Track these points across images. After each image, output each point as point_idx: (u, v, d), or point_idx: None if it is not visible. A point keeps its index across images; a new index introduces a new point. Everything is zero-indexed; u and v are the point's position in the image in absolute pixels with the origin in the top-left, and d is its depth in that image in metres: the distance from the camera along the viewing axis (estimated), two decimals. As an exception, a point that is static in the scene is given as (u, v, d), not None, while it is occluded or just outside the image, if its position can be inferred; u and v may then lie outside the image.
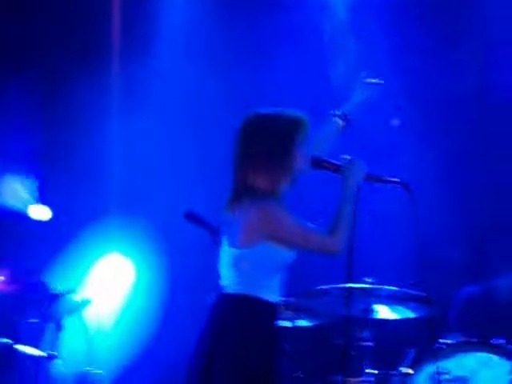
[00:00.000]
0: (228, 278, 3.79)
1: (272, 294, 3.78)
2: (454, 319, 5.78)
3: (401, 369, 5.24)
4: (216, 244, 3.93)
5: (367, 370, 5.18)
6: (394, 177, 3.93)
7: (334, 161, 3.88)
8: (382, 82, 4.17)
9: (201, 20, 7.03)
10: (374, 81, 4.15)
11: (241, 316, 3.71)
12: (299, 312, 5.45)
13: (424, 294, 4.75)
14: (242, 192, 3.80)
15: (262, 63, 6.80)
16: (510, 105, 6.72)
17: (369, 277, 5.17)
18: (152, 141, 6.84)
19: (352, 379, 5.31)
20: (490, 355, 5.17)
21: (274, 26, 6.79)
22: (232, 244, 3.78)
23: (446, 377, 5.16)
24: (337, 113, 4.20)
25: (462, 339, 5.23)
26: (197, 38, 7.03)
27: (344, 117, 4.18)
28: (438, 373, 5.07)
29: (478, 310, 5.89)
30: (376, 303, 5.25)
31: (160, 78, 6.97)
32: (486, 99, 6.80)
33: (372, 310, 5.26)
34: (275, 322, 3.79)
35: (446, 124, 6.81)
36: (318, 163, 3.86)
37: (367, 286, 5.07)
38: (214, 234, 4.07)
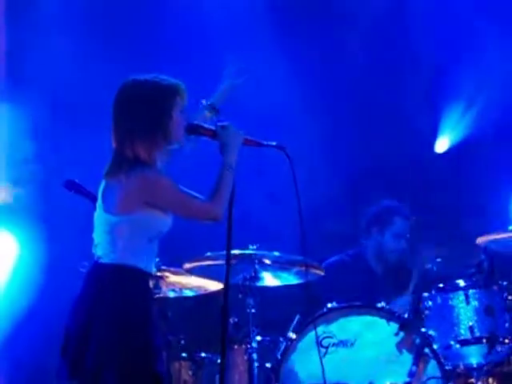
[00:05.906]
0: (103, 246, 3.74)
1: (147, 263, 3.76)
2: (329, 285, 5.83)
3: (288, 334, 5.27)
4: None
5: (257, 338, 5.19)
6: (272, 141, 3.93)
7: (209, 126, 3.87)
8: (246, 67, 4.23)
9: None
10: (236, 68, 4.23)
11: (115, 286, 3.68)
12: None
13: (308, 260, 4.77)
14: (120, 158, 3.76)
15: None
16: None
17: (253, 244, 5.19)
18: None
19: (236, 346, 5.35)
20: (374, 318, 5.25)
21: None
22: (107, 210, 3.73)
23: (331, 341, 5.22)
24: (204, 103, 4.23)
25: (345, 303, 5.28)
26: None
27: (212, 108, 4.24)
28: (318, 337, 5.12)
29: (351, 276, 5.97)
30: (261, 270, 5.26)
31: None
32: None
33: (258, 277, 5.28)
34: (150, 291, 3.79)
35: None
36: (193, 129, 3.85)
37: (251, 252, 5.08)
38: (95, 202, 4.03)
